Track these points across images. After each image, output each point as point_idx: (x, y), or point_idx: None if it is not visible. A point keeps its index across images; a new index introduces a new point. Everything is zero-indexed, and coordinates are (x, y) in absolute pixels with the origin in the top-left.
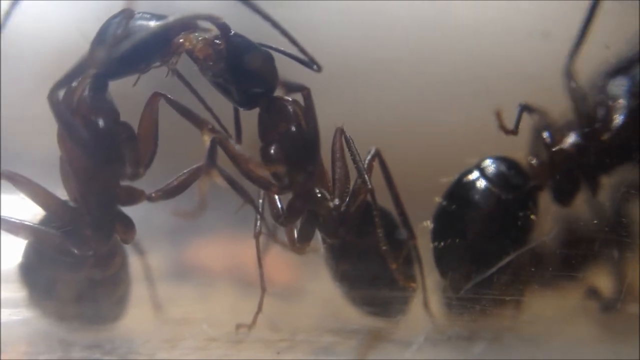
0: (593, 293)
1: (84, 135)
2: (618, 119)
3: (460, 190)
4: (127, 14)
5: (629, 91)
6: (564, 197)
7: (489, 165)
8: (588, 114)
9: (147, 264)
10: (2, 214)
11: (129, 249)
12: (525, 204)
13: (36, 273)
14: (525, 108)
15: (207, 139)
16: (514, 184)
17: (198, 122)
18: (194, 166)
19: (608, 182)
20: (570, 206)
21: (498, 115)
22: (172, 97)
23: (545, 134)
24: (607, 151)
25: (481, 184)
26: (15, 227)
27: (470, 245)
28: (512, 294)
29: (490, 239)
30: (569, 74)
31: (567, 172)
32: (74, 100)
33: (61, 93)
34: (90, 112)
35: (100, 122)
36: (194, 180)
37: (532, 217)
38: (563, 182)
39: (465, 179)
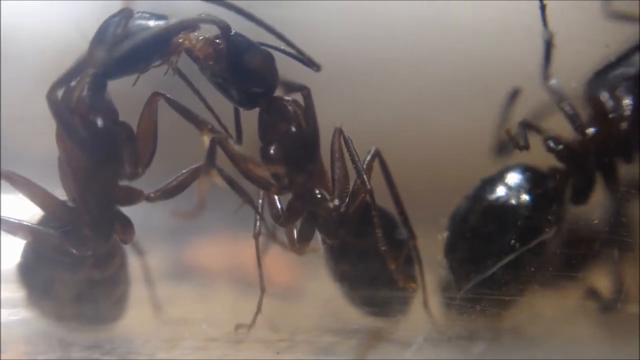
0: (593, 293)
1: (82, 135)
2: (630, 105)
3: (482, 196)
4: (126, 14)
5: (635, 78)
6: (581, 196)
7: (511, 172)
8: (576, 114)
9: (146, 264)
10: (1, 214)
11: (128, 249)
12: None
13: (35, 273)
14: (525, 125)
15: (206, 139)
16: (536, 190)
17: (197, 122)
18: (193, 166)
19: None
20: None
21: (508, 133)
22: (171, 97)
23: (550, 143)
24: (626, 139)
25: (503, 191)
26: (15, 228)
27: (489, 248)
28: (512, 293)
29: (510, 245)
30: (545, 78)
31: (583, 171)
32: (72, 100)
33: (60, 92)
34: (89, 112)
35: (99, 122)
36: (193, 180)
37: (553, 221)
38: (580, 181)
39: (487, 186)
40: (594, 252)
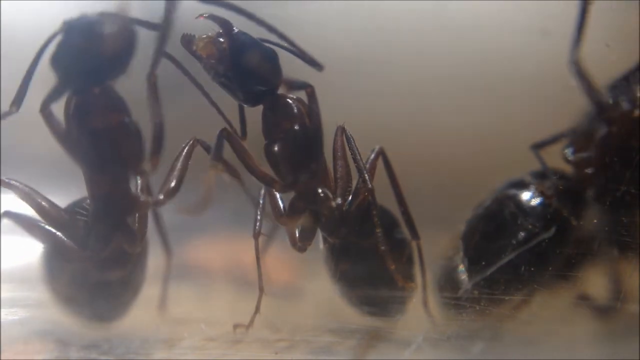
0: (592, 294)
1: (81, 146)
2: None
3: (507, 199)
4: (67, 26)
5: None
6: (606, 196)
7: (535, 176)
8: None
9: (170, 264)
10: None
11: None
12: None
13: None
14: (536, 147)
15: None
16: (564, 194)
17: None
18: (183, 145)
19: None
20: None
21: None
22: None
23: (568, 154)
24: None
25: (532, 195)
26: (23, 222)
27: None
28: (512, 293)
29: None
30: (575, 64)
31: (609, 171)
32: (70, 110)
33: (52, 106)
34: (85, 122)
35: (96, 130)
36: (189, 160)
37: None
38: (608, 181)
39: (514, 189)
40: (593, 252)
